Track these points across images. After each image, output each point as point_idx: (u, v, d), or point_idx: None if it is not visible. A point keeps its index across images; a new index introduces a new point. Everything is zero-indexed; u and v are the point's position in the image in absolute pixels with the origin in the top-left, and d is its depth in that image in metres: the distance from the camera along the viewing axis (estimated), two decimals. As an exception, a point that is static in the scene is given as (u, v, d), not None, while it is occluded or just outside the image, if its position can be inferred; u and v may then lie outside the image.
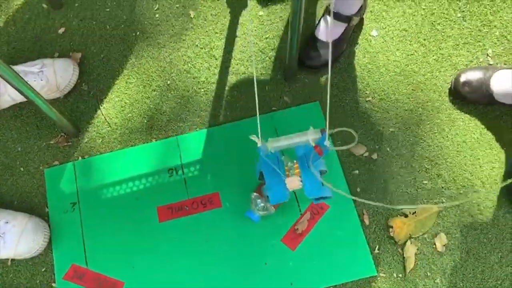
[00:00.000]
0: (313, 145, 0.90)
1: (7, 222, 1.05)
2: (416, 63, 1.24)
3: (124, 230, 1.10)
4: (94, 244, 1.09)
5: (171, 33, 1.29)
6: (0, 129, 1.20)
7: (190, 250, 1.08)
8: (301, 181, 0.93)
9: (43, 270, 1.08)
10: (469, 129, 1.18)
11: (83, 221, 1.11)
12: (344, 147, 0.92)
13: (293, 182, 0.93)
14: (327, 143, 0.89)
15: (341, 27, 1.21)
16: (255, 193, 1.06)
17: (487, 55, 1.24)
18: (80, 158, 1.17)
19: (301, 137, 0.92)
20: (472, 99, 1.17)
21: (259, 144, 0.91)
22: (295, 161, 0.96)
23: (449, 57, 1.24)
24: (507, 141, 1.16)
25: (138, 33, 1.29)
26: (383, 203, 1.12)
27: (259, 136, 0.91)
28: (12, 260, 1.09)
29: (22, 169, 1.17)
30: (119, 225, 1.11)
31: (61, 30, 1.30)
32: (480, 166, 1.15)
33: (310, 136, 0.90)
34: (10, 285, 1.07)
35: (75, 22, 1.31)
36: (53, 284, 1.07)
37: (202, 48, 1.27)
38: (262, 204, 1.05)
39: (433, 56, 1.25)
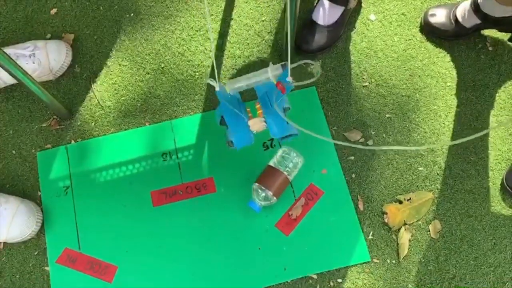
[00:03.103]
0: (275, 82, 0.86)
1: (-1, 205, 1.04)
2: (414, 48, 1.23)
3: (118, 214, 1.10)
4: (87, 228, 1.09)
5: (165, 15, 1.26)
6: (-9, 112, 1.19)
7: (184, 234, 1.08)
8: (265, 121, 0.90)
9: (35, 253, 1.08)
10: (466, 117, 1.17)
11: (76, 205, 1.10)
12: (305, 82, 0.86)
13: (257, 124, 0.90)
14: (290, 78, 0.85)
15: (338, 10, 1.18)
16: (256, 184, 1.05)
17: (486, 41, 1.23)
18: (72, 141, 1.16)
19: (262, 75, 0.87)
20: (440, 30, 1.20)
21: (217, 88, 0.87)
22: (256, 101, 0.93)
23: (448, 43, 1.23)
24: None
25: (131, 14, 1.27)
26: (378, 189, 1.11)
27: (216, 79, 0.87)
28: (5, 243, 1.08)
29: (14, 152, 1.15)
30: (112, 209, 1.10)
31: (53, 11, 1.27)
32: (476, 154, 1.14)
33: (271, 72, 0.85)
34: (2, 268, 1.07)
35: (68, 2, 1.28)
36: (46, 268, 1.06)
37: (197, 31, 1.24)
38: (263, 195, 1.04)
39: (431, 41, 1.23)
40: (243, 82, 0.89)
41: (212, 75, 0.85)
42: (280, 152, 1.08)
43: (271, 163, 1.07)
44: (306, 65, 1.21)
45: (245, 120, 0.91)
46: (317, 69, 0.84)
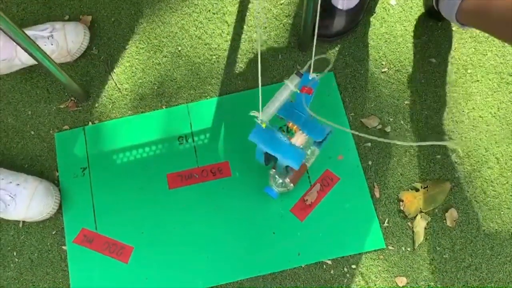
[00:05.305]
0: (298, 90, 0.90)
1: (18, 184, 1.06)
2: (435, 34, 1.20)
3: (134, 196, 1.11)
4: (104, 209, 1.10)
5: (183, -2, 1.26)
6: (10, 92, 1.20)
7: (199, 217, 1.09)
8: (304, 133, 0.94)
9: (53, 233, 1.09)
10: (486, 104, 1.15)
11: (93, 186, 1.12)
12: (325, 71, 0.90)
13: (300, 138, 0.93)
14: (312, 75, 0.89)
15: (358, -5, 1.16)
16: (273, 170, 1.05)
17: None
18: (90, 123, 1.16)
19: (286, 90, 0.91)
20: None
21: (260, 117, 0.89)
22: (288, 122, 0.95)
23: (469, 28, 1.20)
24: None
25: (149, -4, 1.26)
26: (394, 177, 1.10)
27: (260, 109, 0.89)
28: (23, 222, 1.10)
29: (32, 132, 1.17)
30: (128, 191, 1.11)
31: (71, -8, 1.27)
32: (495, 142, 1.12)
33: (292, 84, 0.90)
34: (21, 246, 1.09)
35: (85, -16, 1.28)
36: (63, 247, 1.08)
37: (214, 14, 1.23)
38: (280, 181, 1.04)
39: (452, 27, 1.21)
40: (275, 105, 0.91)
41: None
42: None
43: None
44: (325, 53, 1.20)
45: (287, 142, 0.93)
46: (330, 63, 0.90)
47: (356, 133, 0.79)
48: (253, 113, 0.89)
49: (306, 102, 0.91)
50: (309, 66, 0.89)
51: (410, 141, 1.13)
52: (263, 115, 0.90)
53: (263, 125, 0.89)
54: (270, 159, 1.00)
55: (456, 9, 1.02)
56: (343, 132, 1.13)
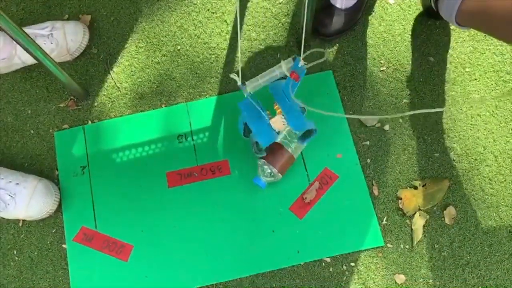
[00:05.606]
0: (289, 74, 0.93)
1: (17, 184, 1.06)
2: (433, 33, 1.21)
3: (134, 194, 1.11)
4: (104, 207, 1.10)
5: (182, -3, 1.26)
6: (10, 91, 1.20)
7: (199, 216, 1.09)
8: (285, 119, 0.97)
9: (53, 231, 1.10)
10: (485, 102, 1.15)
11: (93, 185, 1.12)
12: (314, 63, 0.95)
13: (277, 122, 0.97)
14: (302, 62, 0.92)
15: (357, -6, 1.17)
16: (262, 160, 1.06)
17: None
18: (89, 122, 1.17)
19: (276, 70, 0.96)
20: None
21: (238, 83, 0.94)
22: (274, 102, 0.99)
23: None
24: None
25: (148, -4, 1.27)
26: (393, 175, 1.11)
27: (239, 74, 0.92)
28: (23, 221, 1.10)
29: (32, 131, 1.17)
30: (128, 189, 1.11)
31: (70, -8, 1.27)
32: (493, 140, 1.13)
33: (285, 66, 0.93)
34: (21, 244, 1.09)
35: (85, -17, 1.28)
36: (63, 245, 1.09)
37: (213, 13, 1.24)
38: (269, 171, 1.05)
39: (451, 25, 1.21)
40: (261, 80, 0.96)
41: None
42: (287, 129, 1.08)
43: (278, 140, 1.07)
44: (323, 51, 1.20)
45: (267, 121, 0.98)
46: (325, 55, 0.94)
47: (348, 115, 0.80)
48: (233, 75, 0.94)
49: (293, 89, 0.94)
50: (307, 55, 0.93)
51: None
52: (249, 85, 0.95)
53: (247, 92, 0.93)
54: (248, 132, 1.03)
55: (456, 10, 1.02)
56: (342, 130, 1.14)
